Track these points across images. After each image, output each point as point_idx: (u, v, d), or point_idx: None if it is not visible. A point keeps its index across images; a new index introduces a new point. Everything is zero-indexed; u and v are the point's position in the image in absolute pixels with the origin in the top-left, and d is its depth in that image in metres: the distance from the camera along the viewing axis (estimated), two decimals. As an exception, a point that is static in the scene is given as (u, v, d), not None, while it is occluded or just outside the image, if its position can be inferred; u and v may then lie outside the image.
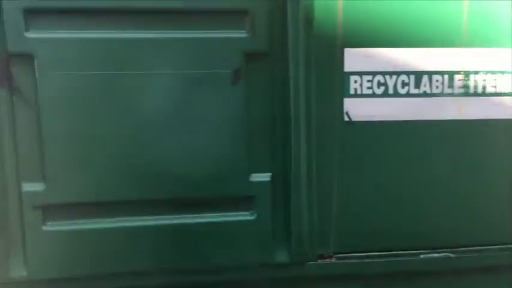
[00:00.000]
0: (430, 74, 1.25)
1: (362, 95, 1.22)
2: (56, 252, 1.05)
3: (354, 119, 1.23)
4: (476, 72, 1.28)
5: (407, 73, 1.24)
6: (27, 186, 1.05)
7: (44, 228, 1.05)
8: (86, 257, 1.07)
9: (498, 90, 1.29)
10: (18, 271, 1.03)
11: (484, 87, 1.28)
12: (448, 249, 1.34)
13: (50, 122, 1.03)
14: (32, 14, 0.99)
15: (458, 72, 1.27)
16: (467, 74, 1.27)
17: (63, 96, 1.03)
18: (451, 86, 1.27)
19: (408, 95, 1.24)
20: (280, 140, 1.18)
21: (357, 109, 1.22)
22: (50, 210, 1.04)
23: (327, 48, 1.18)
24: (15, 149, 1.02)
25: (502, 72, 1.29)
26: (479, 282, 1.37)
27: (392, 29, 1.19)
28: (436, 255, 1.32)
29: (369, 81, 1.23)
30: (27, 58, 1.00)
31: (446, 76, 1.26)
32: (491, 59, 1.27)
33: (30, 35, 1.00)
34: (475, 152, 1.29)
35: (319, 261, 1.26)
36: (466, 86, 1.28)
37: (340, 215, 1.25)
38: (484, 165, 1.30)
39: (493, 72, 1.28)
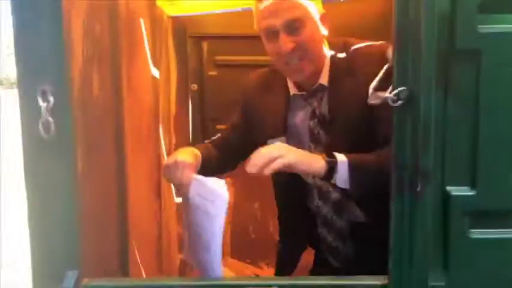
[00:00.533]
0: None
1: None
2: (480, 262, 0.99)
3: None
4: None
5: None
6: (455, 191, 1.00)
7: (471, 235, 1.01)
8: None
9: None
10: (436, 278, 0.99)
11: None
12: None
13: (488, 124, 0.97)
14: (483, 9, 0.94)
15: None
16: None
17: (506, 96, 0.96)
18: None
19: None
20: None
21: None
22: (479, 217, 0.99)
23: None
24: (441, 150, 0.98)
25: None
26: None
27: None
28: None
29: None
30: (472, 54, 0.96)
31: None
32: None
33: (481, 30, 0.94)
34: None
35: None
36: None
37: None
38: None
39: None
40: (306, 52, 1.31)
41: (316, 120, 1.39)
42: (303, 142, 1.40)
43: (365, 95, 1.09)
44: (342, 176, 1.22)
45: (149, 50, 2.09)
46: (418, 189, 0.95)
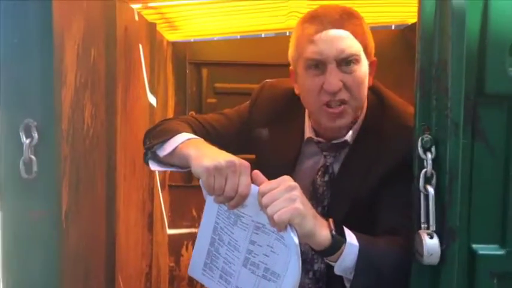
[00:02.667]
0: None
1: None
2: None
3: None
4: None
5: None
6: (482, 249, 0.91)
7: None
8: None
9: None
10: None
11: None
12: None
13: (520, 176, 0.88)
14: (515, 49, 0.86)
15: None
16: None
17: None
18: None
19: None
20: None
21: None
22: (508, 279, 0.89)
23: None
24: (468, 204, 0.89)
25: None
26: None
27: None
28: None
29: None
30: (502, 99, 0.88)
31: None
32: None
33: (513, 73, 0.87)
34: None
35: None
36: None
37: None
38: None
39: None
40: (353, 96, 1.13)
41: (327, 177, 1.22)
42: None
43: (385, 172, 1.00)
44: (345, 263, 0.99)
45: (147, 76, 2.01)
46: (443, 247, 0.86)
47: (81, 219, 1.29)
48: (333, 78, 1.11)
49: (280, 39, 2.73)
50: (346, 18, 1.13)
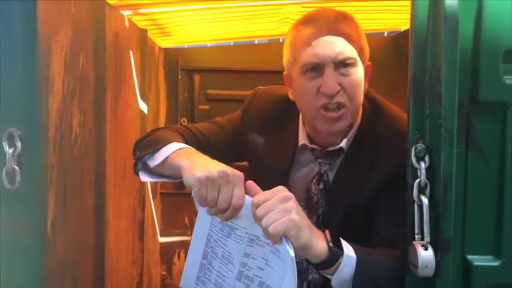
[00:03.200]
0: None
1: None
2: None
3: None
4: None
5: None
6: (477, 260, 0.89)
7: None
8: None
9: None
10: None
11: None
12: None
13: (515, 186, 0.87)
14: (508, 57, 0.85)
15: None
16: None
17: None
18: None
19: None
20: None
21: None
22: (505, 291, 0.88)
23: None
24: (462, 214, 0.87)
25: None
26: None
27: None
28: None
29: None
30: (497, 107, 0.86)
31: None
32: None
33: (507, 80, 0.85)
34: None
35: None
36: None
37: None
38: None
39: None
40: (350, 99, 1.12)
41: (321, 185, 1.20)
42: None
43: (380, 180, 0.99)
44: (343, 275, 0.97)
45: (138, 83, 1.99)
46: (438, 259, 0.84)
47: (69, 228, 1.26)
48: (331, 81, 1.09)
49: (273, 45, 2.72)
50: (342, 20, 1.12)
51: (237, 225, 0.96)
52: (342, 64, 1.10)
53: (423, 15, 0.86)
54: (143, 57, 2.10)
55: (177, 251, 2.65)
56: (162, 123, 2.60)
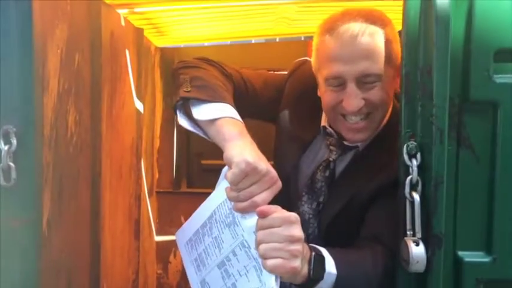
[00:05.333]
0: None
1: None
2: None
3: None
4: None
5: None
6: (468, 256, 0.90)
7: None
8: None
9: None
10: None
11: None
12: None
13: (505, 183, 0.87)
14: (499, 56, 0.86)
15: None
16: None
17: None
18: None
19: None
20: None
21: None
22: (494, 286, 0.89)
23: None
24: (453, 211, 0.88)
25: None
26: None
27: None
28: None
29: None
30: (488, 106, 0.87)
31: None
32: None
33: (498, 79, 0.86)
34: None
35: None
36: None
37: None
38: None
39: None
40: (375, 108, 1.09)
41: (327, 173, 1.19)
42: (294, 187, 1.21)
43: (387, 182, 0.98)
44: None
45: (134, 82, 2.00)
46: (429, 254, 0.85)
47: (65, 226, 1.26)
48: (353, 99, 1.07)
49: (270, 45, 2.73)
50: (367, 32, 1.06)
51: (239, 222, 0.96)
52: (365, 80, 1.07)
53: (415, 14, 0.88)
54: (139, 57, 2.10)
55: (173, 249, 2.65)
56: (158, 123, 2.61)
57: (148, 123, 2.35)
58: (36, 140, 0.92)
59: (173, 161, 2.66)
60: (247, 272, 0.92)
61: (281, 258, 0.86)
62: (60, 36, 1.22)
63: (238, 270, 0.94)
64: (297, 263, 0.87)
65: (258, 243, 0.88)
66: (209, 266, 0.99)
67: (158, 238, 2.66)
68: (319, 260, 0.93)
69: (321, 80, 1.14)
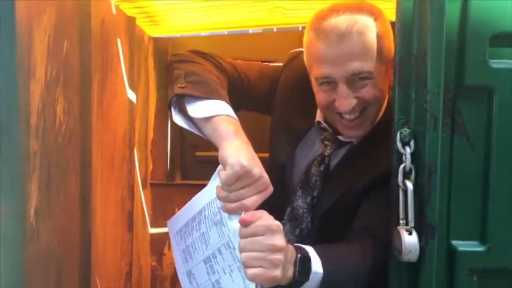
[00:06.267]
0: None
1: None
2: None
3: None
4: None
5: None
6: (462, 246, 0.88)
7: (475, 296, 0.88)
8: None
9: None
10: None
11: None
12: None
13: (501, 170, 0.86)
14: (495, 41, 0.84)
15: None
16: None
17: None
18: None
19: None
20: None
21: None
22: (489, 276, 0.87)
23: None
24: (447, 199, 0.86)
25: None
26: None
27: None
28: None
29: None
30: (483, 91, 0.85)
31: None
32: None
33: (494, 64, 0.84)
34: None
35: None
36: None
37: None
38: None
39: None
40: (370, 102, 1.09)
41: (322, 168, 1.18)
42: (289, 181, 1.21)
43: (381, 175, 0.97)
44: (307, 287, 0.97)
45: (126, 71, 1.97)
46: (422, 244, 0.83)
47: (54, 217, 1.24)
48: (345, 100, 1.05)
49: (267, 35, 2.70)
50: (354, 29, 1.03)
51: (226, 223, 0.95)
52: (356, 80, 1.05)
53: (409, -2, 0.85)
54: (132, 46, 2.07)
55: (168, 242, 2.63)
56: (152, 114, 2.58)
57: (141, 114, 2.32)
58: (21, 128, 0.89)
59: (167, 153, 2.64)
60: (231, 271, 0.92)
61: (262, 267, 0.85)
62: (47, 22, 1.19)
63: (223, 268, 0.93)
64: (277, 272, 0.86)
65: (240, 250, 0.87)
66: (195, 259, 0.98)
67: (152, 230, 2.64)
68: (305, 262, 0.93)
69: (312, 79, 1.13)
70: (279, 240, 0.87)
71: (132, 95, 2.08)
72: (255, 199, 0.90)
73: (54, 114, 1.25)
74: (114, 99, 1.84)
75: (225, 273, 0.94)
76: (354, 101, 1.05)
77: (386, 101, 1.15)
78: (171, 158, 2.70)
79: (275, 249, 0.86)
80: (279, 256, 0.87)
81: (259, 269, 0.86)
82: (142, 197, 2.49)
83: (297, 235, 1.17)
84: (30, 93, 1.08)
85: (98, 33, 1.58)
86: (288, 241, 1.18)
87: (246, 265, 0.87)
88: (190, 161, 2.76)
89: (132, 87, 2.08)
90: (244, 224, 0.88)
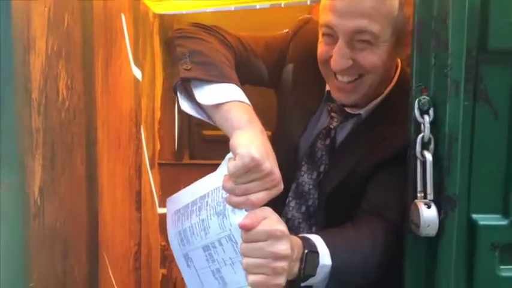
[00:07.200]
0: None
1: None
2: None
3: None
4: None
5: None
6: (483, 219, 0.84)
7: (501, 272, 0.84)
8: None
9: None
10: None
11: None
12: None
13: (526, 140, 0.81)
14: None
15: None
16: None
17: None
18: None
19: None
20: None
21: None
22: (511, 251, 0.83)
23: None
24: (468, 171, 0.82)
25: None
26: None
27: None
28: None
29: None
30: (508, 55, 0.79)
31: None
32: None
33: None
34: None
35: None
36: None
37: None
38: None
39: None
40: (364, 76, 1.03)
41: (328, 141, 1.12)
42: (295, 156, 1.15)
43: (392, 152, 0.93)
44: (314, 280, 0.93)
45: (131, 48, 1.92)
46: (441, 217, 0.79)
47: (59, 195, 1.22)
48: (339, 58, 0.99)
49: (274, 10, 2.63)
50: None
51: (229, 216, 0.89)
52: (358, 39, 0.99)
53: (429, -46, 0.80)
54: (136, 23, 2.02)
55: (177, 221, 2.63)
56: (159, 93, 2.54)
57: (148, 92, 2.29)
58: (19, 102, 0.86)
59: (175, 132, 2.62)
60: (233, 263, 0.88)
61: (264, 274, 0.81)
62: (46, -7, 1.15)
63: (223, 259, 0.89)
64: (280, 280, 0.82)
65: (242, 254, 0.83)
66: (193, 244, 0.94)
67: (161, 210, 2.63)
68: (312, 258, 0.89)
69: (320, 34, 1.07)
70: (283, 247, 0.82)
71: (137, 73, 2.04)
72: (262, 196, 0.83)
73: (56, 89, 1.21)
74: (119, 76, 1.80)
75: (225, 265, 0.90)
76: (349, 62, 0.99)
77: (398, 72, 1.10)
78: (179, 137, 2.68)
79: (278, 257, 0.81)
80: (282, 264, 0.81)
81: (261, 276, 0.81)
82: (151, 176, 2.48)
83: (303, 212, 1.13)
84: (31, 67, 1.04)
85: (100, 7, 1.54)
86: (294, 220, 1.15)
87: (247, 271, 0.83)
88: (198, 140, 2.73)
89: (137, 65, 2.04)
90: (245, 229, 0.82)
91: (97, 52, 1.49)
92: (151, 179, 2.45)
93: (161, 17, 2.52)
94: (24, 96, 0.98)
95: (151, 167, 2.51)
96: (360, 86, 1.04)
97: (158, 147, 2.61)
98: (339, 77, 1.03)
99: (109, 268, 1.65)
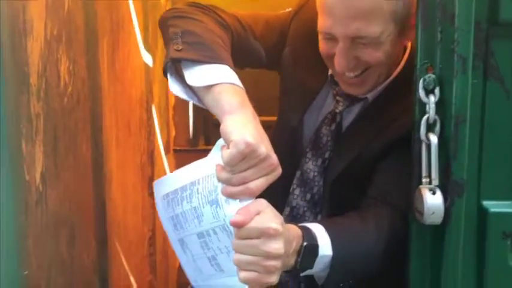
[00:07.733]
0: None
1: None
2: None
3: None
4: None
5: None
6: (494, 206, 0.79)
7: (512, 262, 0.80)
8: None
9: None
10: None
11: None
12: None
13: (541, 120, 0.75)
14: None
15: None
16: None
17: None
18: None
19: None
20: None
21: None
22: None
23: None
24: (478, 154, 0.77)
25: None
26: None
27: None
28: None
29: None
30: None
31: None
32: None
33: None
34: None
35: None
36: None
37: None
38: None
39: None
40: (371, 69, 1.00)
41: (333, 126, 1.09)
42: (299, 143, 1.12)
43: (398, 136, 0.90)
44: (314, 270, 0.90)
45: (140, 33, 1.90)
46: (447, 204, 0.74)
47: (63, 181, 1.21)
48: (342, 59, 0.96)
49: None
50: None
51: (222, 206, 0.84)
52: (358, 40, 0.95)
53: None
54: (145, 7, 2.00)
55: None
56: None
57: (161, 78, 2.27)
58: (12, 87, 0.84)
59: (189, 118, 2.60)
60: (229, 252, 0.85)
61: (255, 271, 0.78)
62: (44, -24, 1.13)
63: (219, 247, 0.86)
64: (272, 278, 0.79)
65: (233, 249, 0.80)
66: (187, 230, 0.91)
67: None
68: (310, 251, 0.86)
69: (319, 33, 1.03)
70: (276, 246, 0.78)
71: (148, 58, 2.02)
72: (261, 182, 0.79)
73: (57, 74, 1.19)
74: (127, 62, 1.78)
75: (221, 252, 0.87)
76: (352, 62, 0.97)
77: (405, 55, 1.06)
78: (194, 123, 2.66)
79: (270, 256, 0.78)
80: (274, 263, 0.78)
81: (252, 273, 0.78)
82: (166, 163, 2.48)
83: (308, 200, 1.10)
84: (28, 51, 1.03)
85: (104, -10, 1.51)
86: (299, 208, 1.12)
87: (238, 267, 0.80)
88: (212, 126, 2.72)
89: (147, 50, 2.02)
90: (237, 226, 0.79)
91: (102, 37, 1.47)
92: (166, 165, 2.44)
93: (174, 2, 2.49)
94: (22, 81, 0.97)
95: (166, 153, 2.50)
96: (369, 78, 1.01)
97: (173, 133, 2.60)
98: (346, 73, 1.00)
99: (121, 253, 1.66)
